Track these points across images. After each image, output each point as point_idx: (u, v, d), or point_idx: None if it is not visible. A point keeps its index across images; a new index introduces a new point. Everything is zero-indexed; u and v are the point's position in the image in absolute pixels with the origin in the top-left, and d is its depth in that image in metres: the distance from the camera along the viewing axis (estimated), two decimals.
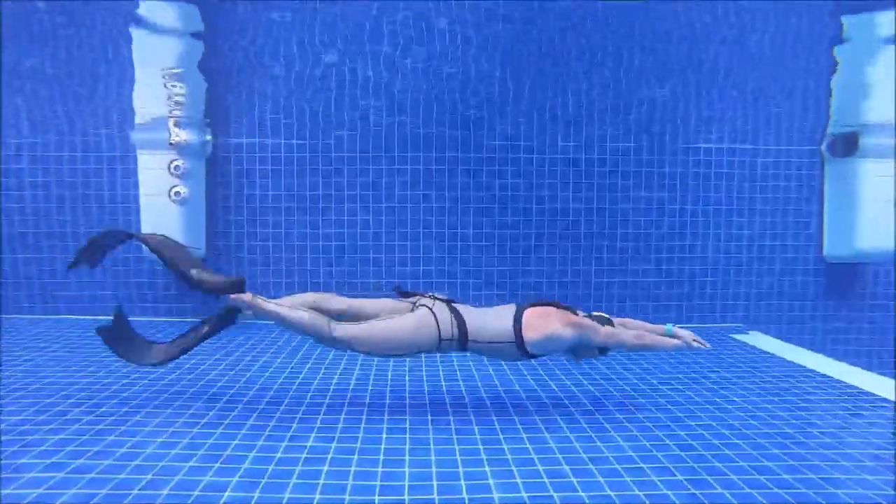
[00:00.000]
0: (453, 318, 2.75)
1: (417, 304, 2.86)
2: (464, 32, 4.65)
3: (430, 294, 2.94)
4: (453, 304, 2.85)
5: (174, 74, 4.74)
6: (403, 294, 3.00)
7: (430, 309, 2.77)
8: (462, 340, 2.75)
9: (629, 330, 2.93)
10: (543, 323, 2.76)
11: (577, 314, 2.90)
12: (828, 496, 2.15)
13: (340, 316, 2.85)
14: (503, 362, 3.71)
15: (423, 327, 2.71)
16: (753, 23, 4.55)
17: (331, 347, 2.83)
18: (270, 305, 2.75)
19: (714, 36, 4.57)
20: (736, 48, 4.83)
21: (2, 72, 4.58)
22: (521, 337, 2.74)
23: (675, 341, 2.92)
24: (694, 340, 2.93)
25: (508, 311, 2.84)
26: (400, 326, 2.72)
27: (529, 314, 2.80)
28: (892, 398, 3.30)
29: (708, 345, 2.97)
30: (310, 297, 2.93)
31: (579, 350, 2.88)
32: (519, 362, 3.58)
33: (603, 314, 2.96)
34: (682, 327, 3.03)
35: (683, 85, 5.14)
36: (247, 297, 2.76)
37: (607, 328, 2.84)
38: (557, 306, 2.89)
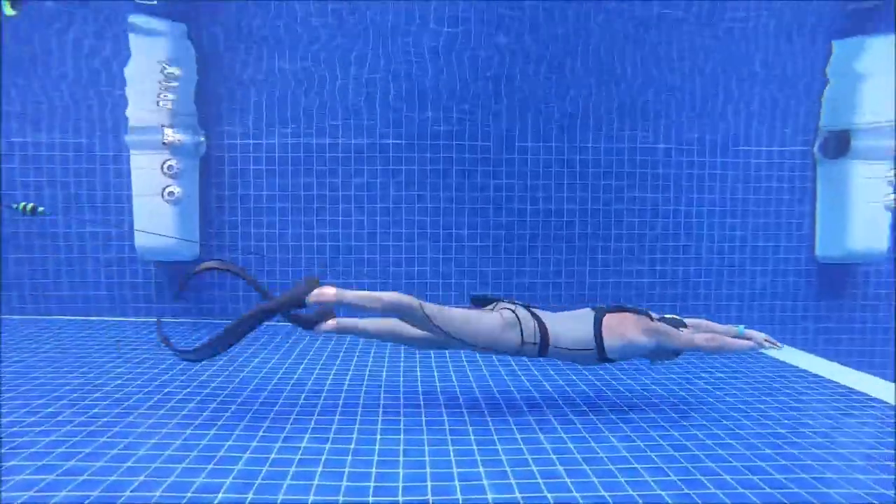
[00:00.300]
0: (536, 324, 2.79)
1: (497, 308, 2.89)
2: (458, 33, 4.65)
3: (509, 299, 2.96)
4: (532, 309, 2.88)
5: (167, 74, 4.71)
6: (480, 301, 3.02)
7: (514, 312, 2.81)
8: (543, 345, 2.79)
9: (702, 333, 2.97)
10: (623, 329, 2.82)
11: (651, 318, 2.94)
12: (820, 496, 2.16)
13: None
14: (580, 366, 3.72)
15: (508, 329, 2.75)
16: (747, 25, 4.58)
17: (418, 326, 2.76)
18: (355, 293, 2.72)
19: (708, 38, 4.59)
20: (729, 51, 4.85)
21: (2, 71, 4.54)
22: (602, 343, 2.79)
23: (748, 343, 2.95)
24: (766, 341, 2.95)
25: (586, 316, 2.88)
26: (487, 322, 2.74)
27: (609, 320, 2.85)
28: (883, 398, 3.32)
29: (780, 345, 2.98)
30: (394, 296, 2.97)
31: (655, 354, 2.94)
32: (595, 366, 3.57)
33: (675, 316, 3.02)
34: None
35: (677, 87, 5.16)
36: (330, 290, 2.70)
37: (682, 333, 2.89)
38: (634, 311, 2.94)
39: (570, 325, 2.84)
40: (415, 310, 2.66)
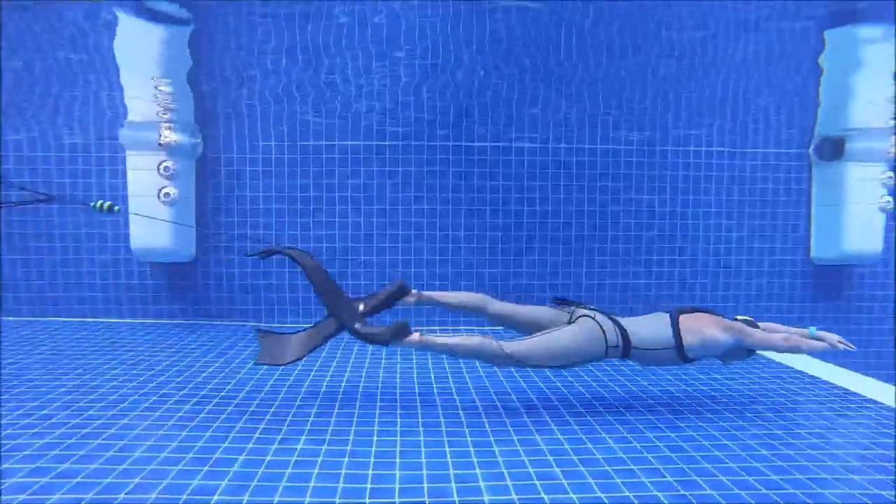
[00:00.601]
0: (616, 328, 2.85)
1: (576, 315, 2.95)
2: (456, 35, 4.66)
3: (585, 304, 3.03)
4: (607, 314, 2.93)
5: (162, 74, 4.70)
6: (559, 302, 3.10)
7: (594, 319, 2.86)
8: (625, 348, 2.84)
9: (777, 333, 3.00)
10: (701, 328, 2.88)
11: (724, 317, 2.99)
12: (815, 496, 2.17)
13: (494, 319, 3.04)
14: (657, 366, 3.69)
15: (594, 339, 2.81)
16: (743, 26, 4.59)
17: (502, 366, 2.93)
18: (441, 340, 2.85)
19: (703, 40, 4.61)
20: (725, 52, 4.87)
21: (2, 72, 4.52)
22: (681, 342, 2.85)
23: (821, 344, 2.95)
24: (839, 342, 2.95)
25: (661, 318, 2.94)
26: (570, 339, 2.80)
27: (686, 320, 2.91)
28: (879, 399, 3.33)
29: (853, 347, 2.98)
30: (470, 297, 3.08)
31: (731, 353, 2.98)
32: (674, 367, 3.59)
33: (748, 317, 3.05)
34: None
35: (673, 88, 5.18)
36: (415, 337, 2.81)
37: (756, 332, 2.93)
38: (707, 311, 2.99)
39: (647, 326, 2.91)
40: (497, 353, 2.76)
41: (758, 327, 3.02)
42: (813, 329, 3.03)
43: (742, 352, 2.99)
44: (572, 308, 3.04)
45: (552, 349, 2.78)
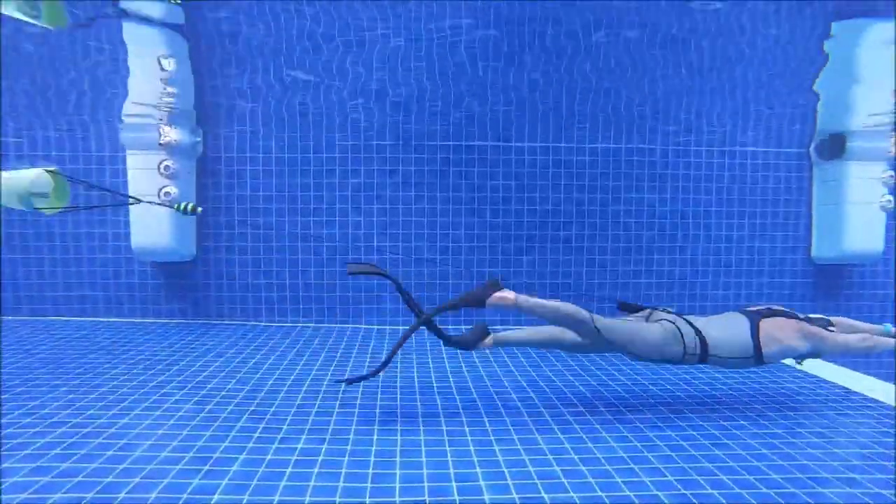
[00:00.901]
0: (696, 335, 2.84)
1: (653, 318, 2.96)
2: (456, 33, 4.65)
3: (663, 308, 3.02)
4: (685, 317, 2.92)
5: (164, 73, 4.69)
6: (629, 308, 3.09)
7: (673, 323, 2.86)
8: (703, 355, 2.84)
9: (854, 333, 2.99)
10: (782, 336, 2.86)
11: (799, 318, 2.97)
12: (816, 496, 2.16)
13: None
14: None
15: (672, 341, 2.81)
16: (744, 25, 4.59)
17: (576, 349, 2.95)
18: (533, 300, 2.80)
19: (705, 38, 4.60)
20: (726, 50, 4.86)
21: (2, 72, 4.52)
22: (760, 352, 2.84)
23: None
24: None
25: (740, 322, 2.91)
26: (651, 334, 2.81)
27: (766, 327, 2.88)
28: (880, 398, 3.33)
29: None
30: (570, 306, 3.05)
31: (804, 356, 2.98)
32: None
33: (822, 316, 3.05)
34: None
35: (674, 87, 5.17)
36: (510, 296, 2.77)
37: (835, 335, 2.92)
38: (784, 314, 2.97)
39: (726, 333, 2.88)
40: (587, 321, 2.75)
41: (830, 324, 3.01)
42: (889, 326, 3.01)
43: (815, 354, 2.98)
44: (647, 312, 3.05)
45: (633, 335, 2.79)
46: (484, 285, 2.80)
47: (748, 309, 3.04)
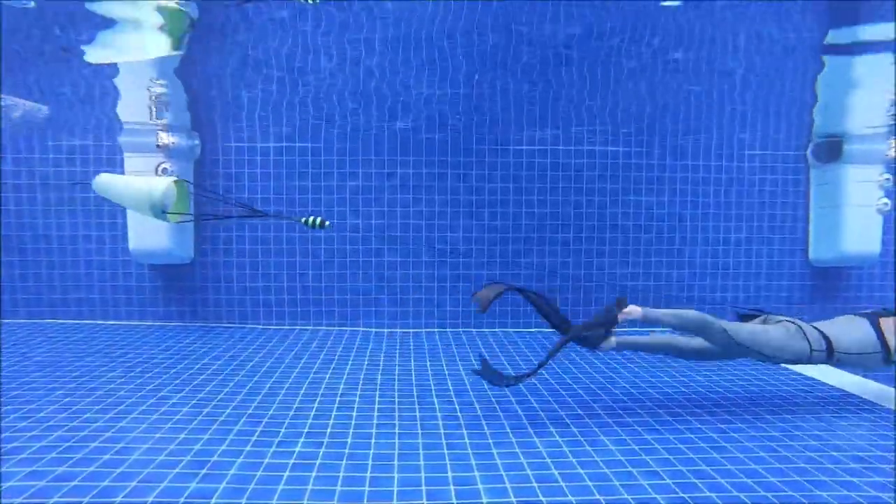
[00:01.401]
0: (820, 334, 2.95)
1: (771, 322, 3.07)
2: (454, 37, 4.66)
3: (778, 313, 3.14)
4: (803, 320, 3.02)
5: (159, 76, 4.69)
6: (746, 317, 3.21)
7: (794, 323, 2.97)
8: (829, 351, 2.93)
9: None
10: None
11: None
12: (813, 498, 2.17)
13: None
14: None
15: (796, 338, 2.92)
16: (741, 28, 4.60)
17: (708, 353, 3.03)
18: (659, 311, 2.97)
19: (702, 41, 4.62)
20: (724, 54, 4.88)
21: (1, 72, 4.51)
22: (887, 346, 2.93)
23: None
24: None
25: (858, 322, 3.04)
26: (774, 333, 2.93)
27: (887, 324, 2.98)
28: (877, 401, 3.34)
29: None
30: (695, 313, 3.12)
31: None
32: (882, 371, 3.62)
33: None
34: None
35: (672, 90, 5.19)
36: (637, 311, 2.93)
37: None
38: None
39: (847, 331, 2.99)
40: (714, 325, 2.88)
41: None
42: None
43: None
44: (763, 317, 3.15)
45: (759, 335, 2.89)
46: (611, 304, 2.96)
47: (861, 312, 3.14)
